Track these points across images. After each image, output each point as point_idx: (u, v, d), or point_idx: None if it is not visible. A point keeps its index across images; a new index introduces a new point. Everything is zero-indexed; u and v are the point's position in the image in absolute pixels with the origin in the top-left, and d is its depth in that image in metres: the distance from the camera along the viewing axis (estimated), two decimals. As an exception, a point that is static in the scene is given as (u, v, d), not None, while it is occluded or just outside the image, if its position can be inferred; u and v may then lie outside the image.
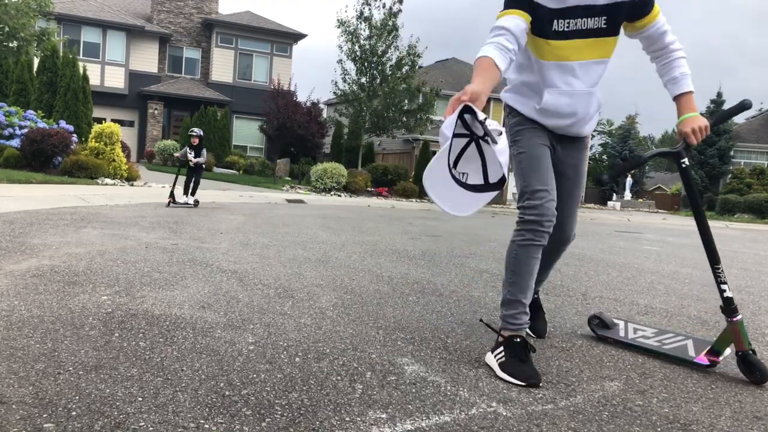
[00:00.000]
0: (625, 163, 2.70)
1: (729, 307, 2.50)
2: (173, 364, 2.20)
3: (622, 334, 3.02)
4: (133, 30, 27.94)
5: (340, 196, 18.09)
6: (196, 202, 10.30)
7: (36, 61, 19.21)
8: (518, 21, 2.28)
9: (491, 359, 2.46)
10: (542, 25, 2.37)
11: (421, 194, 21.30)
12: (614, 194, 35.52)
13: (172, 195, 9.90)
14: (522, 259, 2.50)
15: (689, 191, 2.64)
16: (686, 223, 20.19)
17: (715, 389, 2.40)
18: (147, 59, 29.02)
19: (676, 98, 2.53)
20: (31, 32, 19.00)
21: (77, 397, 1.84)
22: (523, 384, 2.26)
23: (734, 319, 2.50)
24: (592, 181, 39.62)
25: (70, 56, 17.64)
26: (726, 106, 36.70)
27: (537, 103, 2.55)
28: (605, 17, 2.37)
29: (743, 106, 2.52)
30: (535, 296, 2.99)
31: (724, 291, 2.51)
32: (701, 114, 2.51)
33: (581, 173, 2.74)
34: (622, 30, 2.48)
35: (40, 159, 13.50)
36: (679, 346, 2.84)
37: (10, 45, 19.24)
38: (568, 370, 2.53)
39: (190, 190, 10.41)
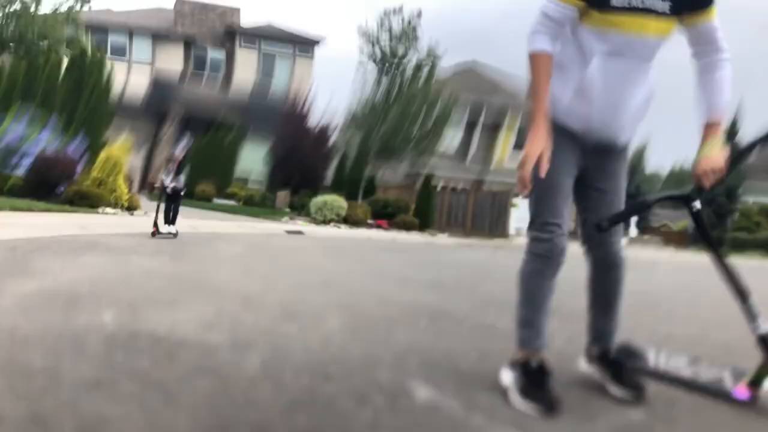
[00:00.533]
0: (626, 210, 2.51)
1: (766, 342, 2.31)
2: (175, 384, 2.12)
3: (653, 361, 2.81)
4: (158, 34, 28.45)
5: (339, 227, 18.02)
6: (176, 233, 9.06)
7: (65, 61, 19.38)
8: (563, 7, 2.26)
9: (507, 378, 2.35)
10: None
11: (422, 227, 21.25)
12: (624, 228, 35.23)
13: (155, 225, 8.88)
14: (531, 287, 2.45)
15: (704, 236, 2.47)
16: (697, 259, 20.09)
17: (747, 420, 2.30)
18: (173, 60, 29.50)
19: (704, 126, 2.38)
20: (60, 34, 19.30)
21: (74, 416, 1.76)
22: (538, 411, 2.15)
23: None
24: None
25: (98, 54, 17.76)
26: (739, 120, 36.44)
27: (576, 81, 2.31)
28: (670, 3, 2.23)
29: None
30: (608, 350, 2.58)
31: (758, 327, 2.32)
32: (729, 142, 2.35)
33: (620, 186, 2.50)
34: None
35: (43, 188, 13.51)
36: (716, 378, 2.62)
37: (41, 44, 19.43)
38: (588, 397, 2.44)
39: (170, 218, 9.24)
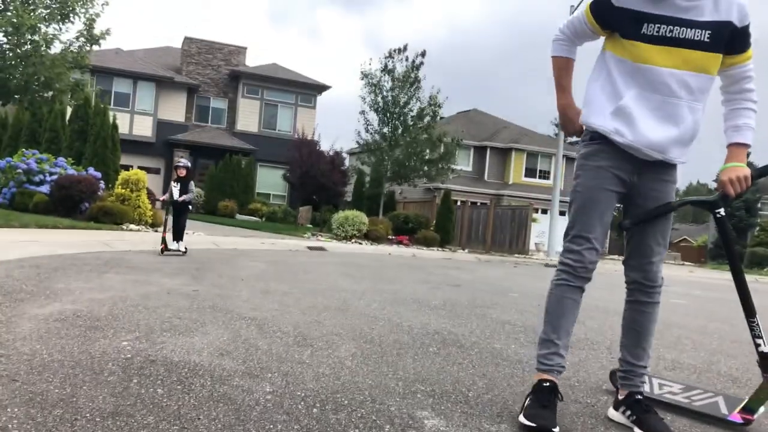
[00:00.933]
0: (650, 211, 2.49)
1: (765, 363, 2.41)
2: (190, 413, 2.18)
3: (647, 389, 2.91)
4: (162, 81, 28.78)
5: (360, 243, 18.09)
6: (185, 250, 9.01)
7: (69, 111, 19.81)
8: (582, 23, 2.53)
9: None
10: (630, 27, 2.33)
11: (442, 243, 21.23)
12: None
13: (164, 241, 8.88)
14: (555, 298, 2.51)
15: (726, 243, 2.52)
16: (713, 276, 19.81)
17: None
18: (175, 109, 29.80)
19: (729, 146, 2.41)
20: (66, 83, 19.66)
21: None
22: (533, 427, 2.21)
23: None
24: (615, 231, 39.22)
25: (102, 106, 18.19)
26: (752, 158, 36.46)
27: (615, 103, 2.39)
28: (709, 32, 2.27)
29: None
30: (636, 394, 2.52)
31: (759, 345, 2.41)
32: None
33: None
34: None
35: (67, 205, 13.77)
36: (710, 403, 2.73)
37: (45, 95, 19.91)
38: (594, 426, 2.45)
39: (178, 235, 9.25)
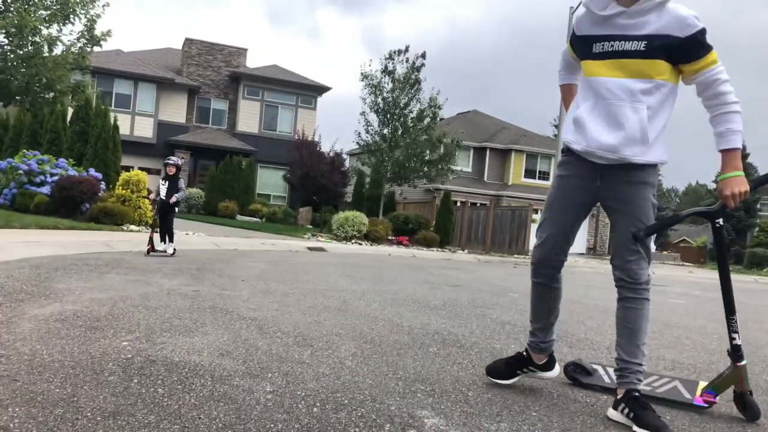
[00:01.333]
0: (662, 221, 2.78)
1: (736, 353, 2.71)
2: (190, 412, 2.19)
3: (606, 380, 3.05)
4: (163, 82, 28.78)
5: (360, 244, 18.10)
6: (173, 251, 8.81)
7: (70, 112, 19.81)
8: (567, 54, 2.93)
9: None
10: (585, 49, 2.69)
11: (442, 243, 21.24)
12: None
13: (151, 242, 8.66)
14: (531, 292, 2.93)
15: (719, 248, 2.76)
16: (712, 276, 19.79)
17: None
18: (176, 110, 29.78)
19: (721, 152, 2.53)
20: (67, 85, 19.66)
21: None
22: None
23: (740, 363, 2.70)
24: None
25: (103, 107, 18.18)
26: (749, 159, 36.53)
27: (573, 115, 2.73)
28: (646, 42, 2.48)
29: None
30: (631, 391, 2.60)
31: (734, 339, 2.70)
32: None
33: (632, 208, 2.64)
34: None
35: (68, 206, 13.77)
36: (670, 388, 2.93)
37: (46, 96, 19.91)
38: (593, 426, 2.46)
39: (166, 236, 8.99)
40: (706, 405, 2.79)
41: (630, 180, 2.61)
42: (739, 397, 2.75)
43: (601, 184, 2.66)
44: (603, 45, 2.57)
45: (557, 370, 2.98)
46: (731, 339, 2.71)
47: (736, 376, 2.75)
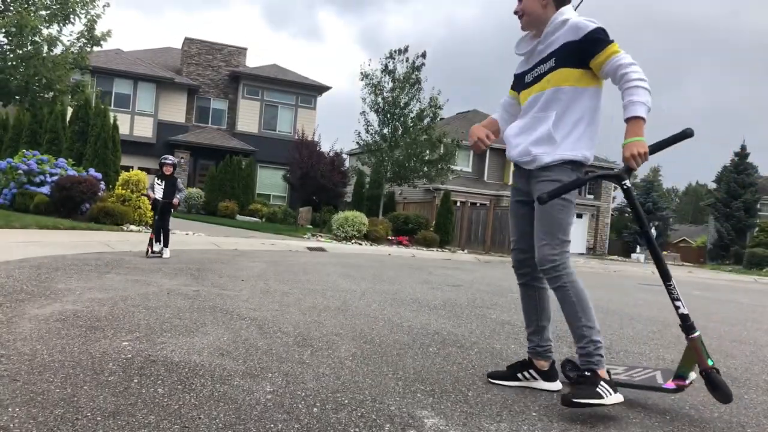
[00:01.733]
0: (566, 184, 2.73)
1: (686, 324, 2.64)
2: (191, 412, 2.19)
3: None
4: (162, 82, 28.78)
5: (360, 244, 18.10)
6: (168, 256, 8.48)
7: (69, 112, 19.81)
8: (506, 97, 3.23)
9: None
10: (520, 84, 3.05)
11: (442, 243, 21.24)
12: (638, 246, 35.12)
13: (151, 243, 8.47)
14: (520, 296, 3.16)
15: (634, 211, 2.78)
16: (712, 276, 19.83)
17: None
18: (175, 110, 29.78)
19: (626, 122, 2.63)
20: (66, 84, 19.65)
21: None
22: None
23: (693, 335, 2.63)
24: (615, 233, 39.25)
25: (102, 107, 18.18)
26: (749, 159, 36.48)
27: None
28: (554, 58, 2.81)
29: (685, 134, 2.63)
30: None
31: (679, 307, 2.67)
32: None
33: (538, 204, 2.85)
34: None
35: (68, 205, 13.77)
36: (648, 377, 2.92)
37: (46, 95, 19.90)
38: (593, 425, 2.46)
39: (161, 237, 8.70)
40: (675, 388, 2.69)
41: (541, 179, 2.83)
42: (706, 377, 2.58)
43: (530, 188, 2.93)
44: (531, 74, 2.94)
45: (560, 386, 2.94)
46: (676, 308, 2.67)
47: (693, 352, 2.62)
